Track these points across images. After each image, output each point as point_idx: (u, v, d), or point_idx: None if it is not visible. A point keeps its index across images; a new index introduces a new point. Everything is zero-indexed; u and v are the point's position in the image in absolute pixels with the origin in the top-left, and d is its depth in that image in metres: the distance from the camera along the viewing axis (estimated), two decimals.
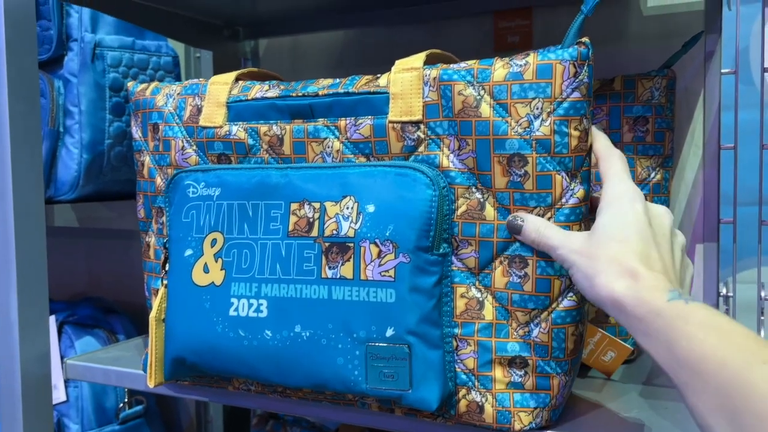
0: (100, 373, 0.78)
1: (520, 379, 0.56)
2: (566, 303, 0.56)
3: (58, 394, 1.00)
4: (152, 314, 0.66)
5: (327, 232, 0.58)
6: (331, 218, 0.58)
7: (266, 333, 0.59)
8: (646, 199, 0.74)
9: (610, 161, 0.54)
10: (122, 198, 1.03)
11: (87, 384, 1.02)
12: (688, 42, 0.75)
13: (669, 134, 0.74)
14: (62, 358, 0.98)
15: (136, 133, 0.72)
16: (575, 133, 0.54)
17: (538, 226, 0.54)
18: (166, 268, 0.67)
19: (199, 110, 0.66)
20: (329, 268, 0.57)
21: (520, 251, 0.55)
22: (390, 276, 0.55)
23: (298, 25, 1.06)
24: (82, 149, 0.93)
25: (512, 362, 0.56)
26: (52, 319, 1.02)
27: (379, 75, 0.60)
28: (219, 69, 1.08)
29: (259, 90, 0.64)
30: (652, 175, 0.74)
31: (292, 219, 0.59)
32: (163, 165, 0.68)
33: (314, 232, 0.58)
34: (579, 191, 0.55)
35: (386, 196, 0.56)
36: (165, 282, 0.67)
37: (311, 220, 0.59)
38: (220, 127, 0.65)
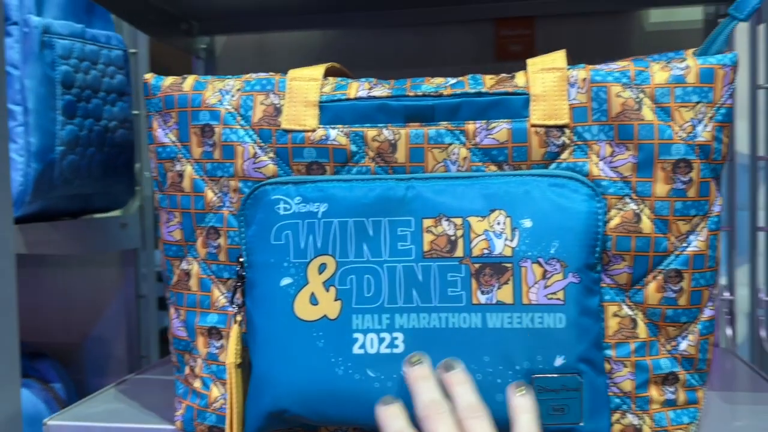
0: None
1: (672, 396, 0.54)
2: (708, 312, 0.54)
3: None
4: (230, 359, 0.54)
5: (476, 252, 0.51)
6: (479, 235, 0.51)
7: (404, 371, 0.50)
8: None
9: None
10: (67, 217, 0.85)
11: None
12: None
13: None
14: None
15: (166, 136, 0.58)
16: (726, 140, 0.52)
17: None
18: (236, 302, 0.55)
19: (277, 110, 0.55)
20: (482, 292, 0.50)
21: (675, 265, 0.52)
22: (559, 299, 0.50)
23: (266, 22, 0.95)
24: (29, 158, 0.75)
25: (665, 380, 0.53)
26: None
27: (513, 74, 0.54)
28: (156, 68, 0.95)
29: (359, 88, 0.55)
30: None
31: (427, 237, 0.51)
32: (221, 176, 0.56)
33: (458, 252, 0.51)
34: (720, 199, 0.53)
35: (544, 208, 0.51)
36: (239, 319, 0.55)
37: (453, 238, 0.51)
38: (313, 130, 0.54)
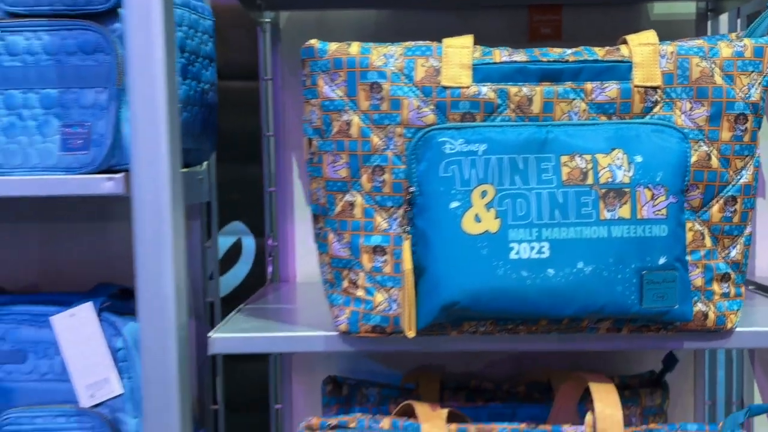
0: (274, 342, 0.75)
1: (727, 290, 0.73)
2: (749, 229, 0.74)
3: (111, 388, 0.88)
4: (407, 266, 0.68)
5: (602, 180, 0.67)
6: (604, 168, 0.67)
7: (548, 271, 0.66)
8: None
9: None
10: None
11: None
12: None
13: None
14: (111, 348, 0.88)
15: (333, 92, 0.71)
16: (766, 100, 0.72)
17: None
18: (406, 223, 0.69)
19: (436, 71, 0.69)
20: (607, 210, 0.67)
21: (732, 192, 0.71)
22: (662, 214, 0.67)
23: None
24: None
25: (722, 278, 0.72)
26: (90, 305, 0.90)
27: (617, 47, 0.71)
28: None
29: (501, 54, 0.70)
30: None
31: (565, 170, 0.67)
32: (388, 124, 0.70)
33: (589, 180, 0.67)
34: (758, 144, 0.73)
35: (651, 148, 0.68)
36: (409, 236, 0.69)
37: (584, 170, 0.67)
38: (468, 87, 0.69)
